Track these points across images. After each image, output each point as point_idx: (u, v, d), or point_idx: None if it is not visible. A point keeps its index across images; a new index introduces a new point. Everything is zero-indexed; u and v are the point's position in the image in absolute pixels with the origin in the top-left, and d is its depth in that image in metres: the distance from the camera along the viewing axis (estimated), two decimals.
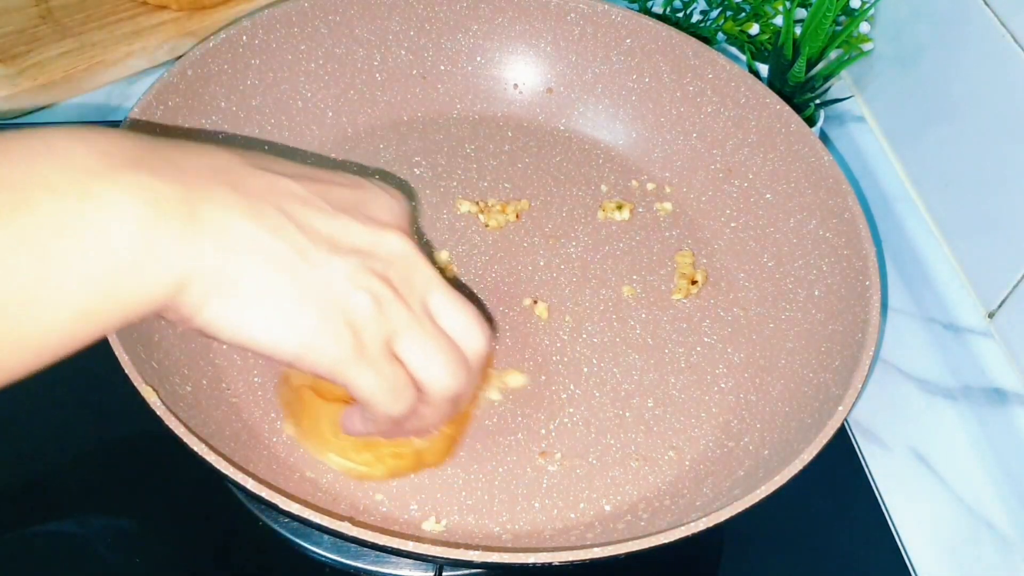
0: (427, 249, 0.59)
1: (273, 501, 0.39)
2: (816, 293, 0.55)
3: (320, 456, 0.47)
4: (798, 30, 0.67)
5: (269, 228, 0.34)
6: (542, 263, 0.59)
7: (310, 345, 0.35)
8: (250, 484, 0.40)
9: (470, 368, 0.40)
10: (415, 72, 0.66)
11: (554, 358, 0.55)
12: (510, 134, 0.66)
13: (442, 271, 0.58)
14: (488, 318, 0.56)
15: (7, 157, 0.30)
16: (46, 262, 0.30)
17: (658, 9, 0.76)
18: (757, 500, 0.42)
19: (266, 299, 0.34)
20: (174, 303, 0.33)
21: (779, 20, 0.73)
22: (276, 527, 0.51)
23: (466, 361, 0.40)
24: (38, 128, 0.32)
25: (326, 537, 0.50)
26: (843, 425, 0.51)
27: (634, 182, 0.65)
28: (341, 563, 0.50)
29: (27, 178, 0.30)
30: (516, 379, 0.53)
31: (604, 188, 0.64)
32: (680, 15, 0.76)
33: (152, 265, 0.31)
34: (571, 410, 0.53)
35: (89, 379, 0.56)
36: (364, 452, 0.46)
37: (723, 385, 0.54)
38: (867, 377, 0.47)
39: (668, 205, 0.63)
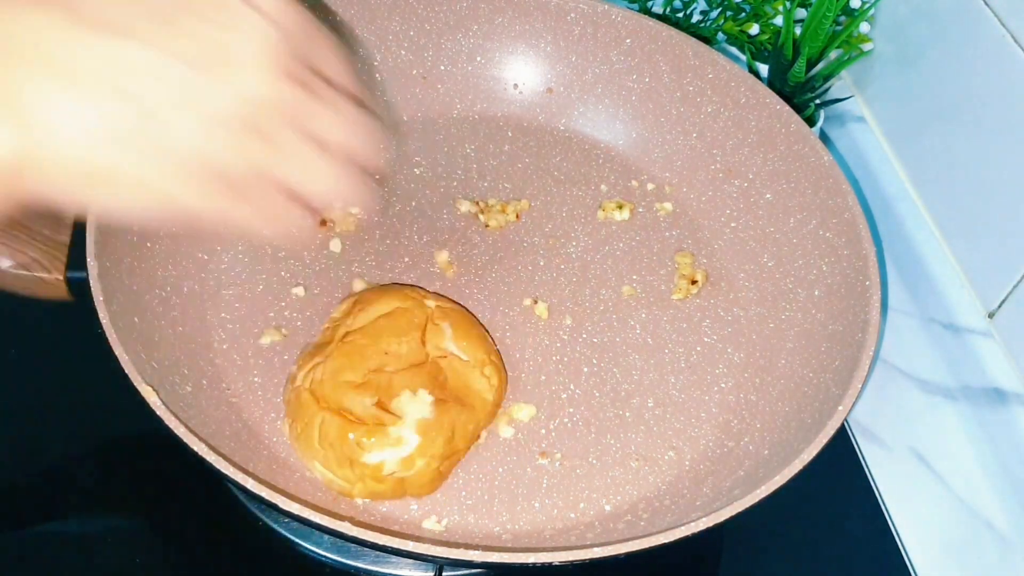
0: (427, 249, 0.59)
1: (273, 501, 0.39)
2: (816, 293, 0.55)
3: (306, 462, 0.47)
4: (798, 30, 0.67)
5: (108, 96, 0.31)
6: (542, 263, 0.59)
7: (169, 209, 0.33)
8: (250, 484, 0.40)
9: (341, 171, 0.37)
10: (415, 72, 0.66)
11: (554, 358, 0.55)
12: (510, 134, 0.66)
13: (442, 271, 0.58)
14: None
15: None
16: None
17: (658, 9, 0.76)
18: (757, 500, 0.42)
19: (113, 175, 0.32)
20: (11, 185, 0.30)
21: (779, 20, 0.73)
22: (276, 527, 0.51)
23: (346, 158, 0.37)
24: None
25: (326, 537, 0.50)
26: (843, 425, 0.51)
27: (634, 182, 0.65)
28: (341, 563, 0.50)
29: None
30: (525, 411, 0.52)
31: (604, 188, 0.64)
32: (680, 15, 0.76)
33: None
34: (571, 410, 0.53)
35: (89, 379, 0.56)
36: (346, 468, 0.46)
37: (723, 385, 0.54)
38: (867, 377, 0.47)
39: (668, 205, 0.63)
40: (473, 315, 0.55)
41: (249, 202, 0.35)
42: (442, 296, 0.54)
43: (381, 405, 0.47)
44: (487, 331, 0.54)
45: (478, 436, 0.50)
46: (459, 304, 0.54)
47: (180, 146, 0.32)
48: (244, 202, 0.35)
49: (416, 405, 0.47)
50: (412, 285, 0.56)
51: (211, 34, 0.33)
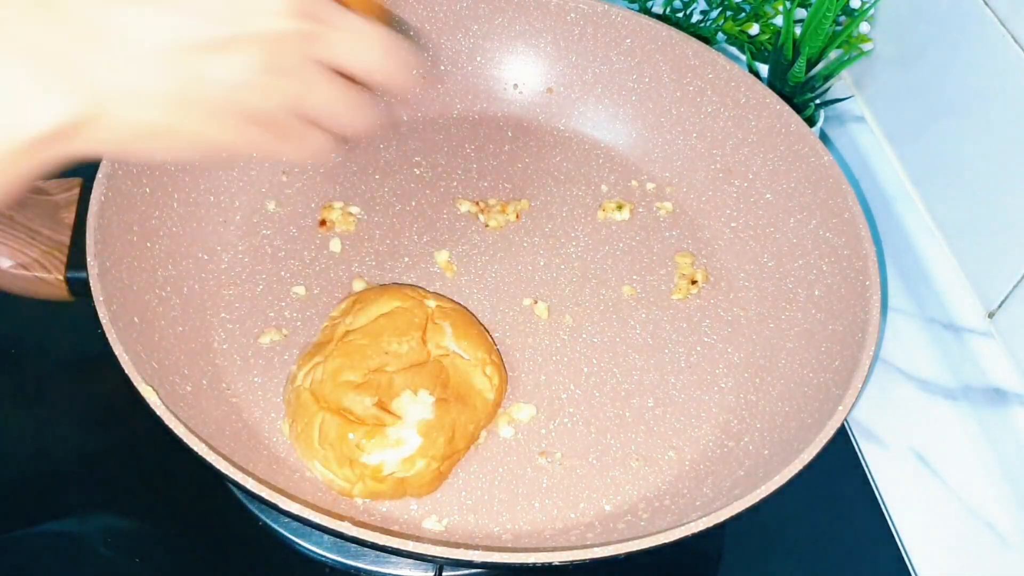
0: (427, 249, 0.59)
1: (273, 501, 0.39)
2: (816, 293, 0.55)
3: (306, 461, 0.47)
4: (798, 30, 0.67)
5: (158, 58, 0.34)
6: (542, 263, 0.59)
7: (209, 150, 0.37)
8: (250, 484, 0.40)
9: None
10: (415, 72, 0.66)
11: (554, 358, 0.55)
12: (510, 134, 0.66)
13: (442, 271, 0.58)
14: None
15: None
16: None
17: (658, 9, 0.76)
18: (757, 500, 0.42)
19: (162, 128, 0.35)
20: (68, 140, 0.33)
21: (779, 20, 0.73)
22: (276, 527, 0.51)
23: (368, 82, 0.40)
24: None
25: (326, 537, 0.50)
26: (843, 425, 0.51)
27: (634, 182, 0.65)
28: (341, 563, 0.50)
29: None
30: (525, 411, 0.52)
31: (604, 188, 0.64)
32: (680, 15, 0.76)
33: (30, 118, 0.32)
34: (571, 410, 0.53)
35: (89, 379, 0.56)
36: (346, 468, 0.46)
37: (723, 385, 0.54)
38: (867, 377, 0.47)
39: (668, 205, 0.63)
40: (473, 315, 0.55)
41: (275, 131, 0.39)
42: (442, 296, 0.54)
43: (381, 405, 0.47)
44: (487, 331, 0.54)
45: (478, 436, 0.50)
46: (459, 304, 0.54)
47: (212, 95, 0.36)
48: (271, 132, 0.38)
49: (417, 406, 0.47)
50: (412, 285, 0.56)
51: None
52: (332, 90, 0.40)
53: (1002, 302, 0.63)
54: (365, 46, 0.40)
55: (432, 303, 0.52)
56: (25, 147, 0.32)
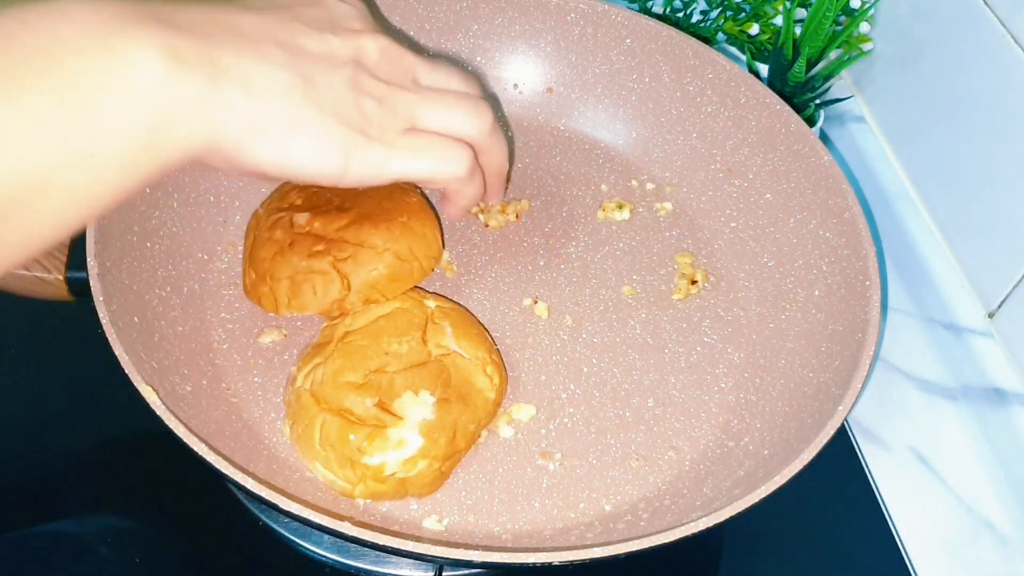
0: None
1: (273, 501, 0.39)
2: (816, 293, 0.55)
3: (307, 463, 0.47)
4: (798, 30, 0.67)
5: (279, 64, 0.37)
6: (542, 263, 0.59)
7: (349, 157, 0.39)
8: (250, 484, 0.40)
9: (484, 103, 0.46)
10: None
11: (554, 358, 0.55)
12: (510, 134, 0.66)
13: (442, 271, 0.58)
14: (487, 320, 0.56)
15: (29, 26, 0.31)
16: (87, 116, 0.31)
17: (658, 9, 0.76)
18: (757, 500, 0.42)
19: (300, 129, 0.38)
20: (215, 149, 0.36)
21: (779, 20, 0.73)
22: (276, 527, 0.51)
23: (479, 99, 0.46)
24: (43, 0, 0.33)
25: (326, 537, 0.50)
26: (843, 425, 0.51)
27: (634, 182, 0.65)
28: (341, 563, 0.50)
29: (52, 43, 0.31)
30: (525, 411, 0.52)
31: (604, 188, 0.64)
32: (680, 15, 0.76)
33: (185, 117, 0.34)
34: (571, 410, 0.53)
35: (89, 379, 0.56)
36: (347, 469, 0.46)
37: (723, 385, 0.54)
38: (867, 377, 0.47)
39: (668, 205, 0.63)
40: (473, 315, 0.55)
41: (413, 150, 0.42)
42: (442, 296, 0.54)
43: (382, 406, 0.46)
44: (487, 331, 0.54)
45: (479, 435, 0.50)
46: (459, 304, 0.54)
47: (331, 97, 0.38)
48: (409, 151, 0.42)
49: (418, 406, 0.47)
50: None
51: (315, 11, 0.41)
52: (445, 97, 0.44)
53: (1002, 302, 0.63)
54: (453, 78, 0.46)
55: (432, 303, 0.52)
56: (159, 120, 0.33)
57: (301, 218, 0.52)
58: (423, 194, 0.57)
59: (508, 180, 0.51)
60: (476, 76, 0.47)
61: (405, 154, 0.41)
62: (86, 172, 0.32)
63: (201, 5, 0.37)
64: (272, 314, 0.53)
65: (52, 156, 0.31)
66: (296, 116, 0.37)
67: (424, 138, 0.43)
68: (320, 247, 0.51)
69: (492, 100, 0.48)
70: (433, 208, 0.57)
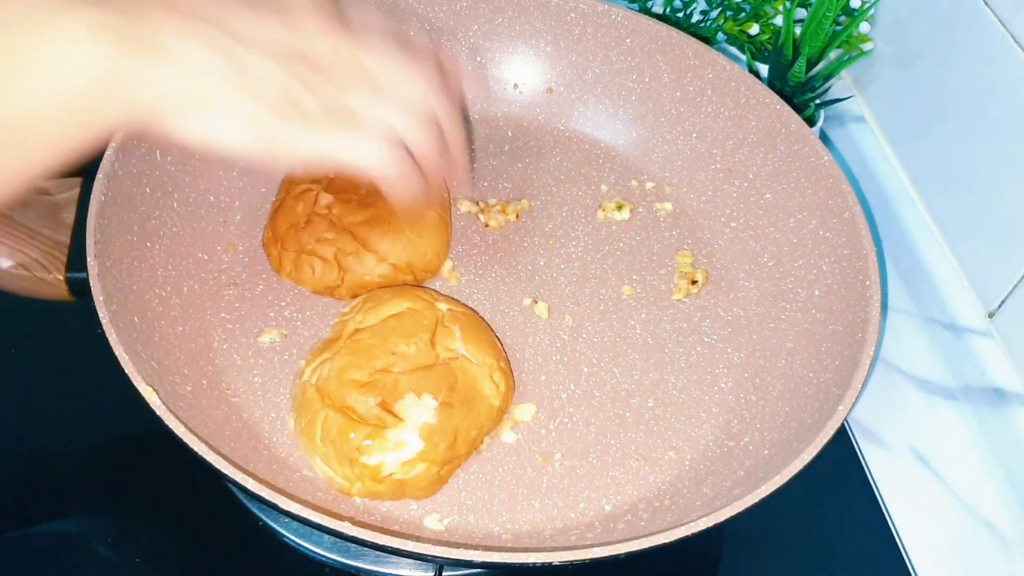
0: None
1: (274, 501, 0.39)
2: (816, 293, 0.55)
3: (307, 457, 0.47)
4: (798, 30, 0.67)
5: (210, 46, 0.37)
6: (542, 263, 0.59)
7: (270, 141, 0.39)
8: (250, 484, 0.40)
9: (418, 97, 0.43)
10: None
11: (554, 358, 0.55)
12: (510, 134, 0.66)
13: (446, 279, 0.58)
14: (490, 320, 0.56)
15: None
16: (17, 91, 0.33)
17: (658, 9, 0.76)
18: (757, 500, 0.42)
19: (223, 108, 0.38)
20: (152, 124, 0.37)
21: (779, 20, 0.73)
22: (276, 527, 0.51)
23: (415, 93, 0.43)
24: None
25: (326, 537, 0.50)
26: (843, 425, 0.51)
27: (634, 182, 0.65)
28: (341, 563, 0.50)
29: None
30: (526, 411, 0.52)
31: (604, 188, 0.64)
32: (680, 15, 0.76)
33: (115, 89, 0.35)
34: (571, 410, 0.53)
35: (89, 379, 0.56)
36: (346, 466, 0.46)
37: (723, 385, 0.54)
38: (867, 377, 0.47)
39: (668, 205, 0.63)
40: (484, 320, 0.54)
41: (342, 133, 0.40)
42: (454, 300, 0.54)
43: (384, 406, 0.46)
44: (498, 338, 0.54)
45: (481, 441, 0.50)
46: (471, 309, 0.54)
47: (263, 79, 0.38)
48: (337, 133, 0.40)
49: (419, 409, 0.47)
50: (423, 287, 0.56)
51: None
52: (374, 73, 0.42)
53: (1002, 302, 0.63)
54: (402, 78, 0.43)
55: (444, 306, 0.52)
56: (91, 93, 0.35)
57: (324, 199, 0.56)
58: (447, 209, 0.58)
59: (470, 171, 0.50)
60: (417, 57, 0.44)
61: (314, 137, 0.40)
62: (18, 140, 0.34)
63: None
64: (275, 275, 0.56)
65: None
66: (221, 97, 0.38)
67: (345, 128, 0.41)
68: (330, 235, 0.55)
69: (454, 96, 0.45)
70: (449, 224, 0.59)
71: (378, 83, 0.42)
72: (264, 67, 0.39)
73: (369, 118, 0.42)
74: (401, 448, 0.46)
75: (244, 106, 0.38)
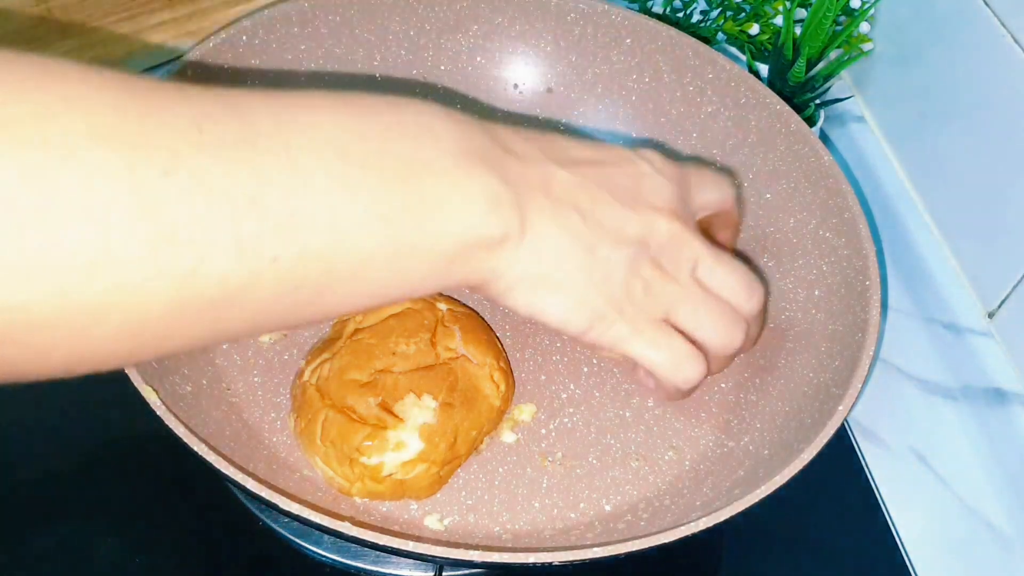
0: None
1: (273, 501, 0.39)
2: (816, 293, 0.55)
3: (308, 457, 0.47)
4: (798, 30, 0.67)
5: (570, 233, 0.39)
6: None
7: (593, 324, 0.41)
8: (250, 484, 0.40)
9: (746, 322, 0.46)
10: (415, 72, 0.66)
11: (554, 358, 0.55)
12: None
13: None
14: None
15: (402, 131, 0.35)
16: (415, 232, 0.35)
17: (658, 9, 0.76)
18: (757, 500, 0.42)
19: (563, 290, 0.40)
20: (482, 285, 0.39)
21: (779, 20, 0.73)
22: (276, 527, 0.51)
23: (741, 316, 0.45)
24: (414, 101, 0.37)
25: (326, 537, 0.50)
26: (843, 425, 0.51)
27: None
28: (341, 563, 0.50)
29: (417, 154, 0.35)
30: (526, 412, 0.52)
31: None
32: (680, 15, 0.76)
33: (480, 254, 0.37)
34: (571, 410, 0.53)
35: (89, 379, 0.56)
36: (346, 466, 0.46)
37: (723, 385, 0.54)
38: (867, 377, 0.47)
39: None
40: (484, 320, 0.54)
41: (653, 343, 0.43)
42: (454, 299, 0.54)
43: (385, 406, 0.46)
44: (498, 338, 0.54)
45: (481, 442, 0.50)
46: (471, 309, 0.54)
47: (612, 274, 0.41)
48: (650, 342, 0.42)
49: (419, 410, 0.47)
50: None
51: (626, 179, 0.42)
52: (713, 306, 0.44)
53: (1002, 302, 0.62)
54: (734, 276, 0.45)
55: (444, 306, 0.52)
56: (465, 250, 0.36)
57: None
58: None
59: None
60: (761, 285, 0.46)
61: (644, 343, 0.42)
62: (396, 269, 0.35)
63: (532, 148, 0.40)
64: None
65: (378, 247, 0.34)
66: (563, 279, 0.40)
67: (669, 336, 0.43)
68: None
69: (758, 319, 0.47)
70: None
71: (710, 289, 0.44)
72: (614, 262, 0.41)
73: (692, 330, 0.44)
74: (401, 448, 0.46)
75: (587, 296, 0.40)
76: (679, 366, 0.43)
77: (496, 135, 0.40)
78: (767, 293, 0.47)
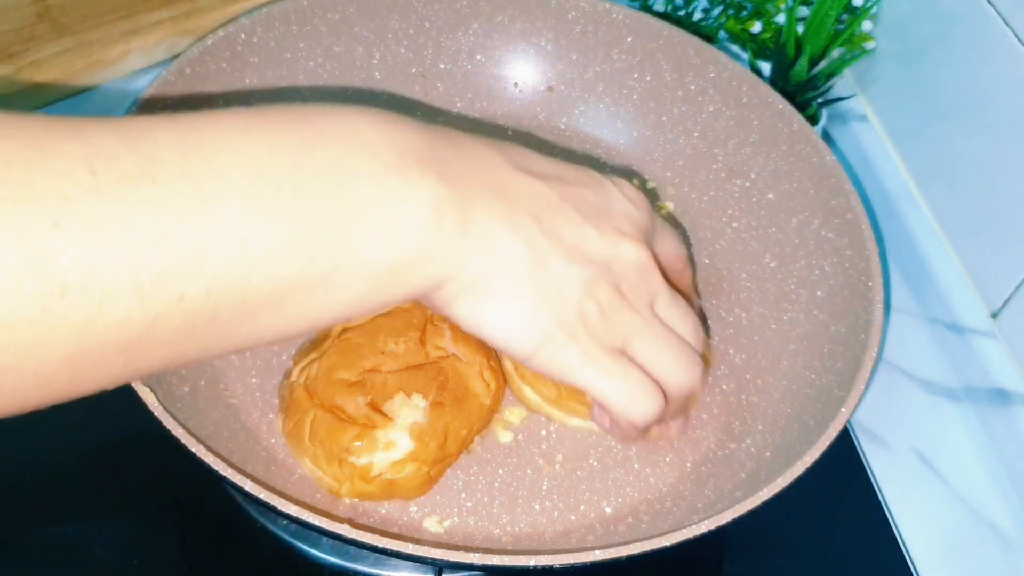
0: None
1: (271, 503, 0.39)
2: (818, 294, 0.55)
3: (297, 458, 0.47)
4: (800, 28, 0.67)
5: (523, 238, 0.37)
6: None
7: (541, 346, 0.38)
8: (248, 486, 0.39)
9: (698, 361, 0.43)
10: (415, 71, 0.66)
11: None
12: (510, 133, 0.66)
13: None
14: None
15: (324, 142, 0.32)
16: (340, 251, 0.32)
17: (659, 7, 0.76)
18: (759, 502, 0.41)
19: (509, 301, 0.37)
20: (428, 295, 0.36)
21: (781, 18, 0.73)
22: (274, 529, 0.50)
23: (695, 355, 0.43)
24: (340, 108, 0.34)
25: (325, 539, 0.50)
26: (846, 427, 0.51)
27: (635, 181, 0.64)
28: (340, 565, 0.50)
29: (339, 164, 0.32)
30: (516, 413, 0.52)
31: None
32: (682, 13, 0.76)
33: (424, 263, 0.34)
34: None
35: None
36: (335, 466, 0.45)
37: (725, 387, 0.54)
38: (870, 378, 0.47)
39: (670, 204, 0.63)
40: None
41: (607, 373, 0.39)
42: None
43: (374, 405, 0.46)
44: None
45: (471, 441, 0.49)
46: None
47: (565, 291, 0.37)
48: (603, 371, 0.39)
49: (409, 409, 0.46)
50: None
51: (593, 198, 0.40)
52: (672, 341, 0.41)
53: (1005, 302, 0.62)
54: (690, 317, 0.43)
55: None
56: (401, 264, 0.34)
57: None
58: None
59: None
60: (702, 329, 0.45)
61: (597, 371, 0.39)
62: (323, 293, 0.32)
63: (492, 152, 0.38)
64: None
65: (299, 272, 0.31)
66: (510, 289, 0.37)
67: (624, 367, 0.40)
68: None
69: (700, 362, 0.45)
70: None
71: (667, 323, 0.42)
72: (569, 280, 0.38)
73: (649, 363, 0.41)
74: (391, 448, 0.45)
75: (536, 312, 0.37)
76: (635, 398, 0.40)
77: (446, 136, 0.37)
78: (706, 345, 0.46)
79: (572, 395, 0.49)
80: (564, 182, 0.39)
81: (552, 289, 0.37)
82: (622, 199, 0.42)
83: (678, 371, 0.42)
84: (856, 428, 0.60)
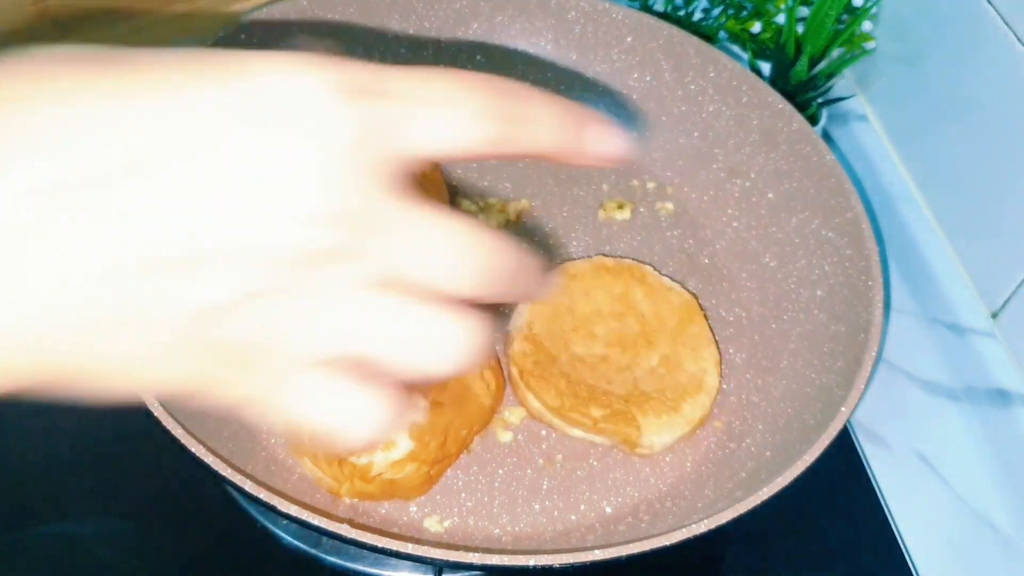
0: None
1: (272, 503, 0.39)
2: (819, 293, 0.55)
3: (297, 458, 0.47)
4: (800, 28, 0.66)
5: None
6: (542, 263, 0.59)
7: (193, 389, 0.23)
8: (248, 486, 0.39)
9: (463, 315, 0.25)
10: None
11: None
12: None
13: None
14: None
15: None
16: None
17: (659, 7, 0.76)
18: (759, 502, 0.41)
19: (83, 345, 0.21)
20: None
21: (781, 18, 0.73)
22: (275, 529, 0.50)
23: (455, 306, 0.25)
24: None
25: (325, 539, 0.50)
26: (846, 426, 0.51)
27: (635, 181, 0.64)
28: (340, 565, 0.50)
29: None
30: (515, 413, 0.52)
31: (605, 187, 0.64)
32: (682, 13, 0.76)
33: None
34: None
35: None
36: (335, 467, 0.46)
37: (725, 386, 0.54)
38: (870, 378, 0.47)
39: (670, 204, 0.63)
40: None
41: (302, 391, 0.23)
42: None
43: None
44: None
45: (471, 441, 0.49)
46: None
47: (177, 321, 0.21)
48: (297, 390, 0.23)
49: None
50: None
51: (245, 90, 0.21)
52: (398, 322, 0.24)
53: (1005, 302, 0.62)
54: (454, 256, 0.25)
55: None
56: None
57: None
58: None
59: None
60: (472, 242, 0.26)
61: (286, 400, 0.23)
62: None
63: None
64: None
65: None
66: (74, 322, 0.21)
67: (323, 380, 0.23)
68: None
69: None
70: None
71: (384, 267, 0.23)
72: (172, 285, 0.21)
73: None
74: (391, 448, 0.45)
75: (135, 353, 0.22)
76: (349, 418, 0.23)
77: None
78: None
79: (575, 406, 0.49)
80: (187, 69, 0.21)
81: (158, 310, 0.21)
82: (295, 73, 0.21)
83: (418, 357, 0.24)
84: (856, 428, 0.60)
